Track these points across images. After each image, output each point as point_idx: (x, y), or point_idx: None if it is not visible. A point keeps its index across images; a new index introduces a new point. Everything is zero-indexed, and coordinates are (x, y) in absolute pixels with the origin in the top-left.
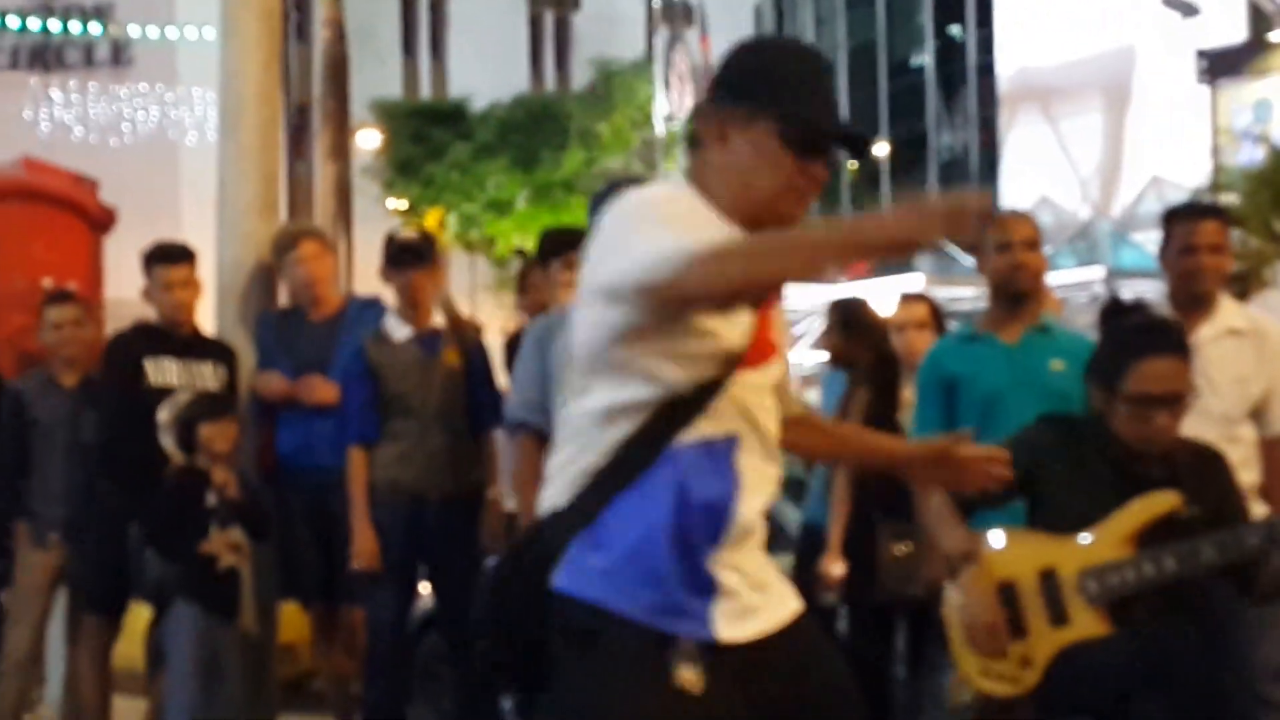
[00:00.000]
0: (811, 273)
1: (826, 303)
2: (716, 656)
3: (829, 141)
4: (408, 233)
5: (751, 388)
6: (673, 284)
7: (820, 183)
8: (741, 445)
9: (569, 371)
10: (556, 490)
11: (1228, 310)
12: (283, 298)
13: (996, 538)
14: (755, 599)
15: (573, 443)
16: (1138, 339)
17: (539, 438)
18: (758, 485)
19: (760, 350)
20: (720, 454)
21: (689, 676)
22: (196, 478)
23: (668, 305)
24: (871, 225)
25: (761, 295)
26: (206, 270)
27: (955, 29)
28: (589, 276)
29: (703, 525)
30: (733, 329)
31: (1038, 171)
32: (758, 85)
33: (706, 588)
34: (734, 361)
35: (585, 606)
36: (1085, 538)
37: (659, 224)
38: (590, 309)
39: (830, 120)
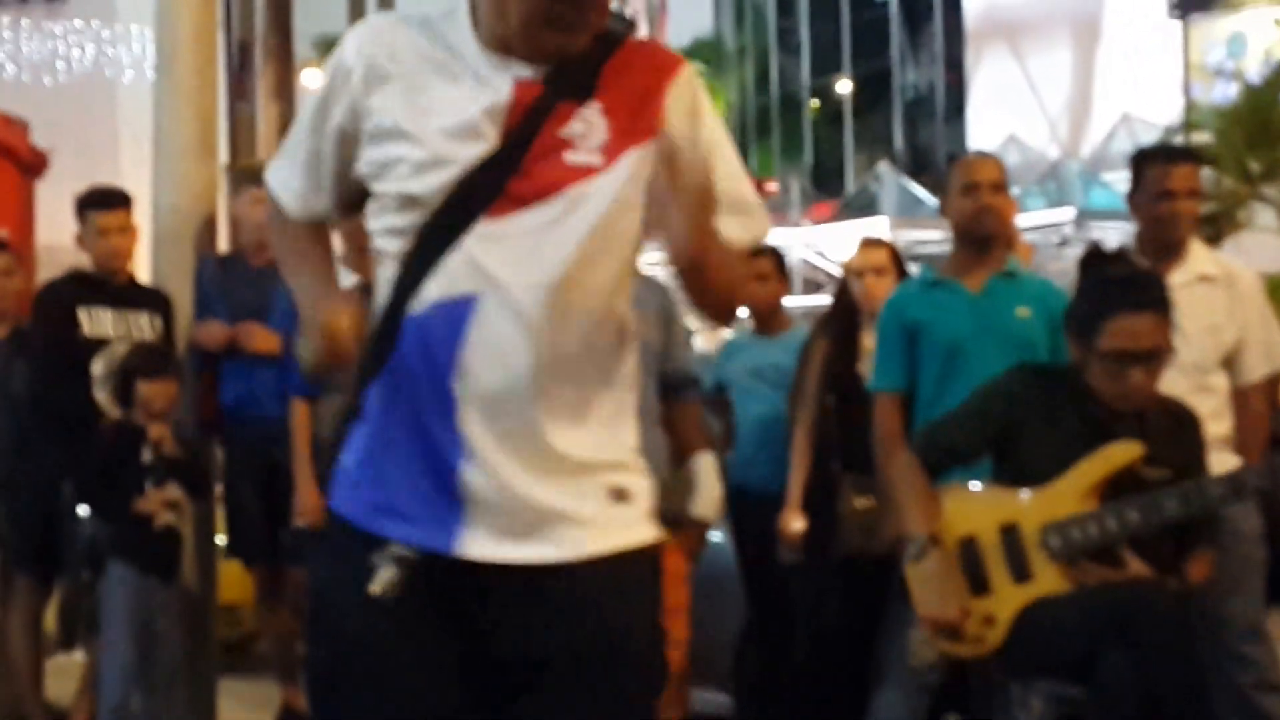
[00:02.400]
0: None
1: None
2: (445, 570)
3: None
4: None
5: (497, 241)
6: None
7: (578, 6)
8: (478, 309)
9: None
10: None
11: (1199, 256)
12: (222, 239)
13: (958, 493)
14: (531, 516)
15: None
16: (1116, 293)
17: None
18: (502, 360)
19: (530, 187)
20: (446, 321)
21: (386, 580)
22: (132, 433)
23: None
24: (305, 301)
25: None
26: (143, 215)
27: None
28: None
29: (434, 412)
30: (430, 172)
31: (1005, 110)
32: None
33: (449, 490)
34: (442, 209)
35: (329, 512)
36: (1047, 491)
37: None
38: None
39: None
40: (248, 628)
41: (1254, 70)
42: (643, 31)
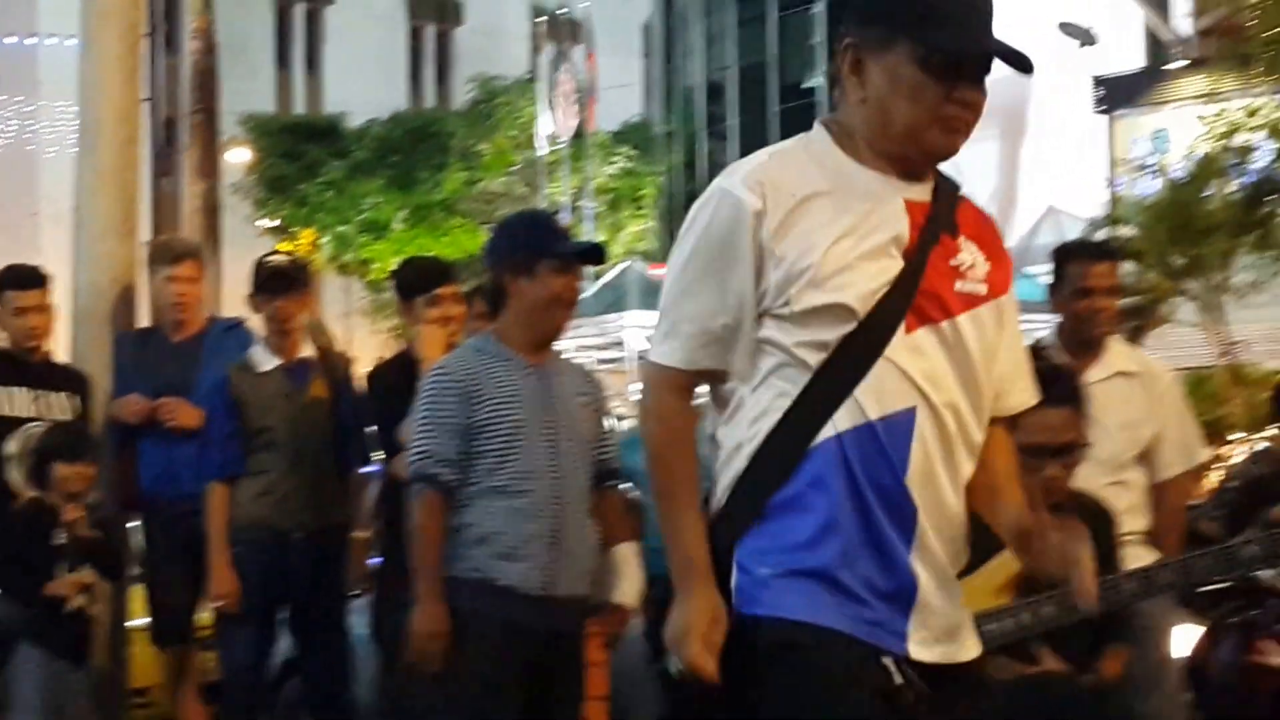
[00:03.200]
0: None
1: None
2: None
3: (975, 61)
4: (277, 258)
5: (920, 352)
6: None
7: (976, 108)
8: (917, 424)
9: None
10: (722, 491)
11: (1118, 352)
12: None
13: None
14: (954, 618)
15: (734, 440)
16: None
17: (446, 493)
18: (941, 472)
19: (934, 308)
20: (890, 434)
21: (900, 689)
22: (45, 514)
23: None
24: (680, 570)
25: None
26: (63, 293)
27: None
28: None
29: (887, 516)
30: (861, 283)
31: None
32: (889, 4)
33: (905, 592)
34: (871, 324)
35: (783, 623)
36: (963, 585)
37: (684, 269)
38: None
39: (973, 37)
40: (159, 710)
41: (1177, 166)
42: (572, 114)
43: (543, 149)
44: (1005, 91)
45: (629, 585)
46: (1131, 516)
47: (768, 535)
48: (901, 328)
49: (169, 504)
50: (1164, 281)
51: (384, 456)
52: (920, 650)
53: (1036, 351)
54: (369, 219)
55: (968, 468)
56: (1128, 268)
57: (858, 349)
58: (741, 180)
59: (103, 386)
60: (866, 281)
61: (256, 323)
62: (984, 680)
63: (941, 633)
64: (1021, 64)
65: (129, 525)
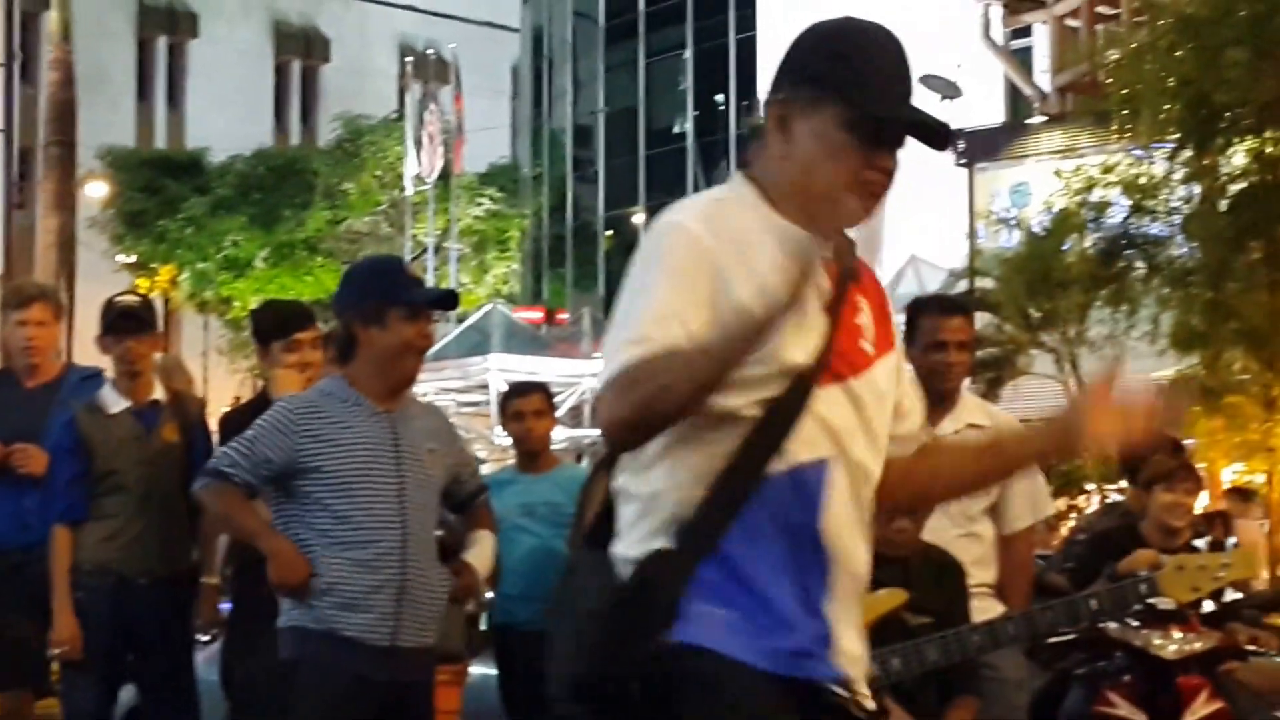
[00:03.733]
0: (705, 390)
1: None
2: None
3: (899, 131)
4: (127, 298)
5: (835, 405)
6: (600, 417)
7: (889, 177)
8: (831, 472)
9: None
10: (641, 536)
11: (969, 405)
12: None
13: None
14: (860, 667)
15: (650, 489)
16: None
17: (236, 488)
18: (851, 521)
19: (843, 365)
20: (808, 482)
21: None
22: None
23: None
24: (739, 322)
25: (690, 412)
26: None
27: (719, 97)
28: None
29: (813, 563)
30: (798, 342)
31: None
32: (821, 68)
33: (823, 636)
34: (803, 380)
35: (713, 656)
36: None
37: (646, 292)
38: None
39: (900, 107)
40: None
41: (1036, 219)
42: (439, 155)
43: (409, 189)
44: None
45: (481, 552)
46: (980, 568)
47: (708, 577)
48: (818, 384)
49: (16, 551)
50: (1021, 333)
51: None
52: (849, 675)
53: None
54: (230, 256)
55: (868, 518)
56: (986, 319)
57: (790, 403)
58: (693, 217)
59: None
60: (806, 340)
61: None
62: None
63: (856, 665)
64: (940, 138)
65: None
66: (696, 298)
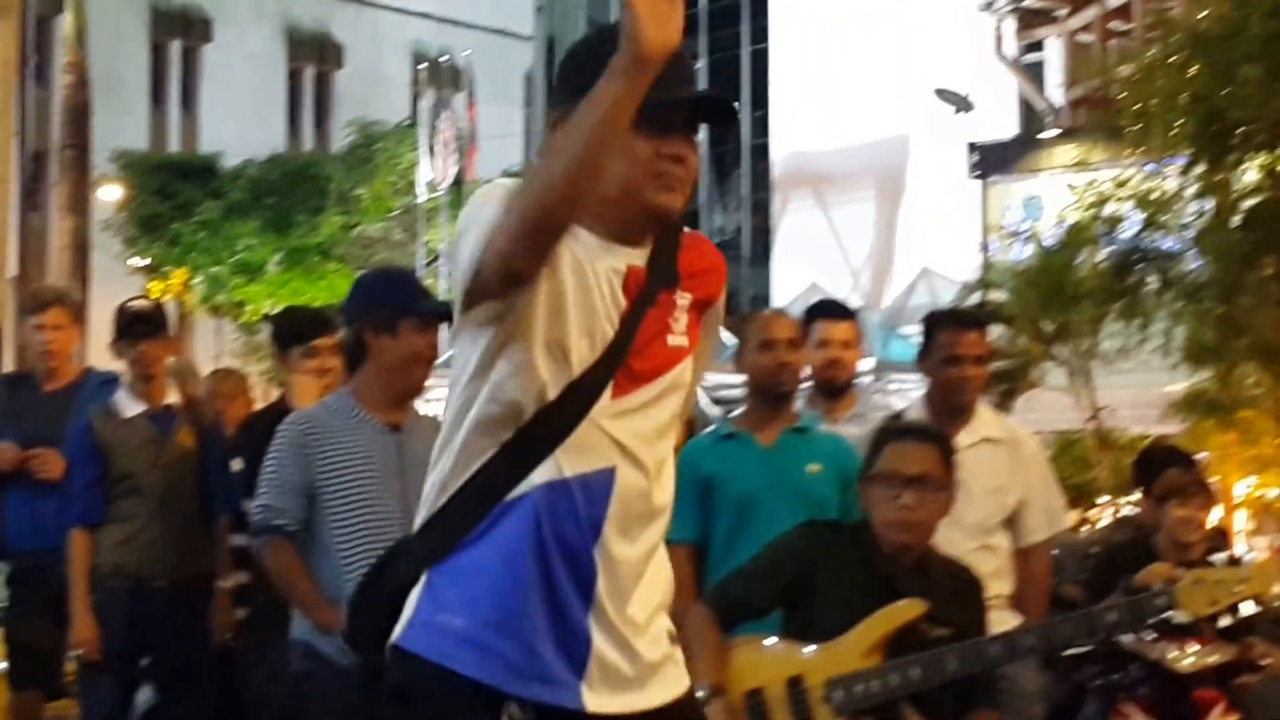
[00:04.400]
0: (603, 146)
1: None
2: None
3: (677, 113)
4: (140, 303)
5: (626, 417)
6: (498, 235)
7: (685, 160)
8: (616, 483)
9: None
10: (421, 516)
11: (985, 419)
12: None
13: (748, 646)
14: (635, 670)
15: (438, 476)
16: (892, 429)
17: (290, 538)
18: (635, 529)
19: (644, 366)
20: (586, 493)
21: None
22: None
23: (503, 261)
24: (607, 77)
25: (582, 194)
26: None
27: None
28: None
29: (567, 576)
30: (573, 351)
31: (809, 259)
32: (585, 76)
33: (578, 650)
34: (585, 389)
35: (429, 667)
36: (833, 646)
37: (484, 219)
38: (461, 332)
39: (672, 90)
40: None
41: (1049, 232)
42: (452, 162)
43: (422, 195)
44: (883, 156)
45: None
46: (997, 580)
47: (444, 578)
48: (608, 392)
49: (33, 554)
50: (1034, 346)
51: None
52: (599, 702)
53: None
54: (243, 260)
55: (654, 508)
56: (999, 332)
57: (562, 412)
58: (511, 184)
59: None
60: (578, 350)
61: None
62: (688, 713)
63: (626, 683)
64: (725, 114)
65: None
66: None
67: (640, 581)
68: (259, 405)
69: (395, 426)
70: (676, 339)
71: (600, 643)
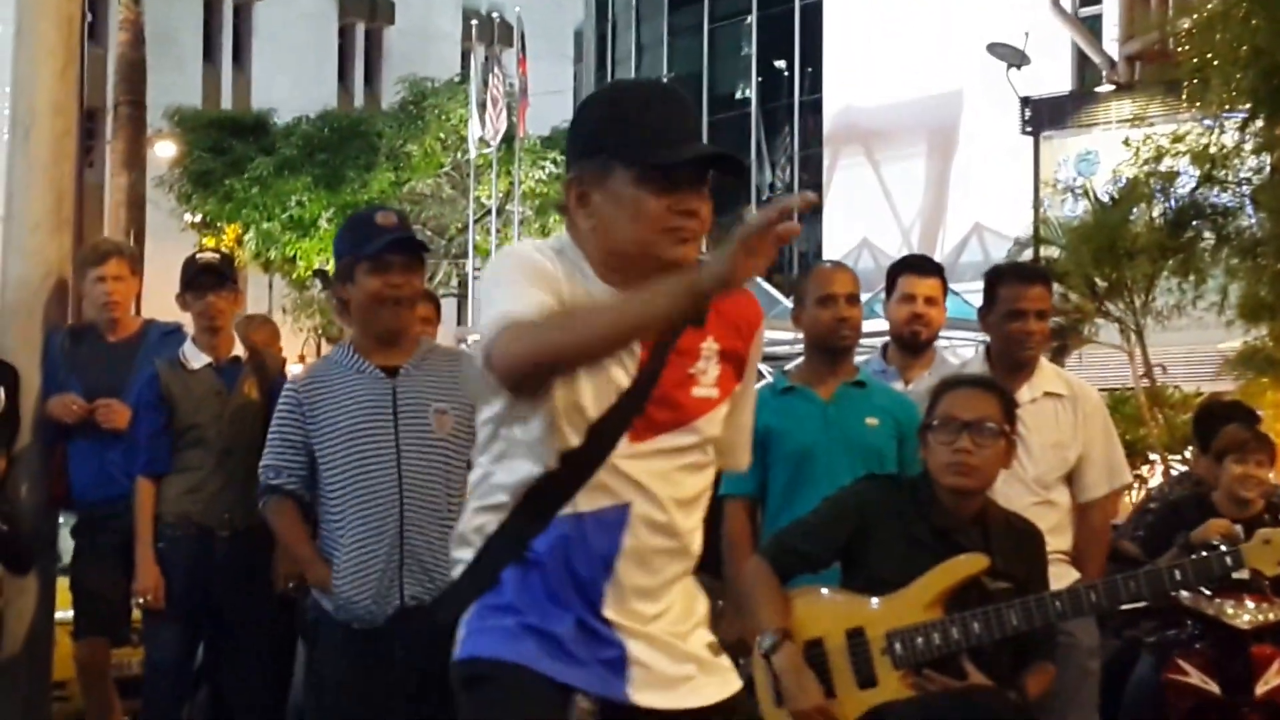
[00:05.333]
0: (615, 342)
1: None
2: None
3: (687, 171)
4: (207, 254)
5: (644, 459)
6: (490, 360)
7: (699, 215)
8: (630, 517)
9: (480, 426)
10: (466, 553)
11: (1046, 374)
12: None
13: (808, 596)
14: (676, 670)
15: (479, 505)
16: (952, 379)
17: (290, 497)
18: (656, 560)
19: (665, 415)
20: (600, 527)
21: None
22: None
23: (502, 383)
24: (668, 287)
25: (570, 368)
26: None
27: (780, 63)
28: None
29: (578, 599)
30: (597, 398)
31: (860, 215)
32: (598, 137)
33: (616, 657)
34: (605, 434)
35: (486, 661)
36: (894, 599)
37: (502, 285)
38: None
39: (677, 148)
40: (75, 705)
41: (1103, 188)
42: (502, 118)
43: (472, 152)
44: (936, 111)
45: None
46: (1056, 535)
47: (494, 595)
48: (626, 437)
49: (100, 504)
50: (1087, 303)
51: None
52: (643, 697)
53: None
54: (295, 216)
55: (693, 549)
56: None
57: (582, 457)
58: (532, 247)
59: (31, 381)
60: (593, 397)
61: (188, 322)
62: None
63: (664, 684)
64: (733, 168)
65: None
66: (546, 297)
67: (667, 603)
68: (310, 360)
69: (391, 370)
70: (704, 390)
71: (636, 650)
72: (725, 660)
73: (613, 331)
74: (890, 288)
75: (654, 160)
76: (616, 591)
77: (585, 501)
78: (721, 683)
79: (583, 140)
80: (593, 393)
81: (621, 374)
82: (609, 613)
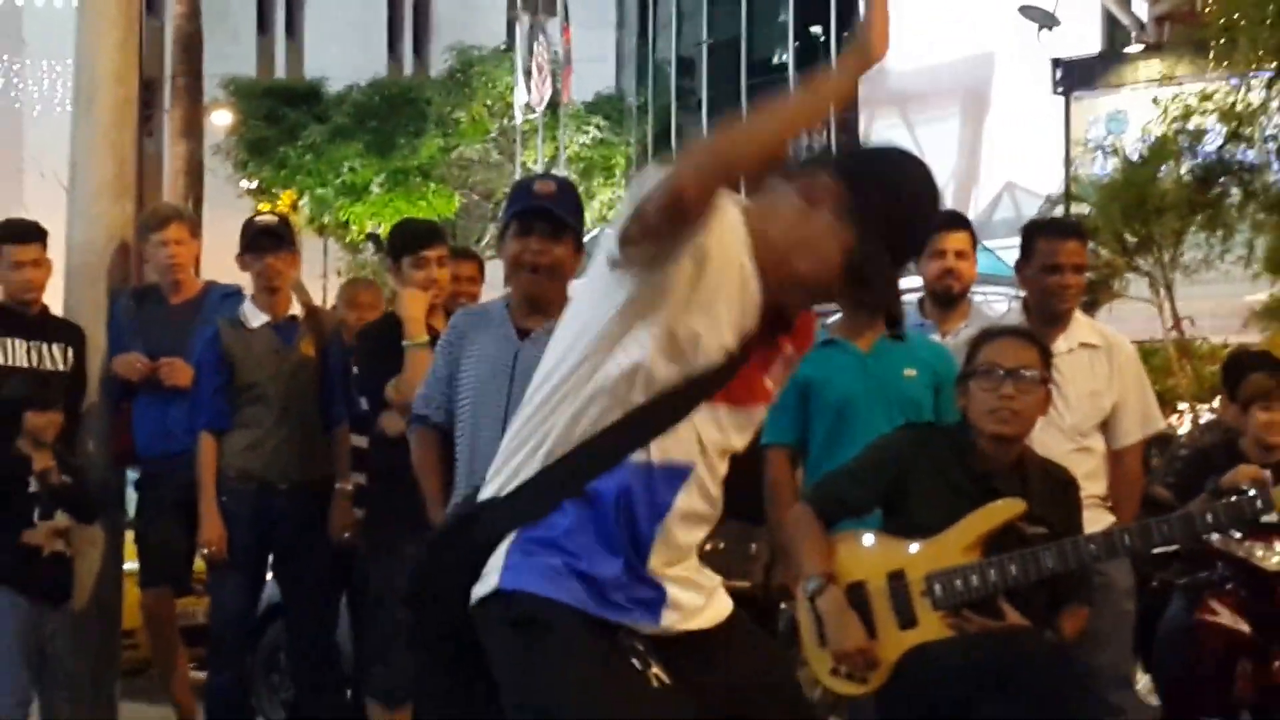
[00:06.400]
0: (811, 123)
1: None
2: (661, 647)
3: (873, 282)
4: (265, 217)
5: (717, 425)
6: (670, 184)
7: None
8: (691, 478)
9: (546, 355)
10: (506, 478)
11: (1082, 325)
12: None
13: (850, 541)
14: (698, 601)
15: (534, 435)
16: (991, 330)
17: (439, 431)
18: (692, 522)
19: (742, 392)
20: (666, 480)
21: (642, 657)
22: (17, 464)
23: (667, 209)
24: (814, 83)
25: (775, 154)
26: (55, 250)
27: (817, 29)
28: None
29: (630, 547)
30: (717, 341)
31: None
32: (870, 197)
33: (654, 598)
34: (703, 385)
35: (536, 599)
36: (933, 543)
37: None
38: (594, 282)
39: (886, 275)
40: (142, 653)
41: (1132, 146)
42: (547, 85)
43: (518, 118)
44: (969, 73)
45: None
46: (1092, 481)
47: (544, 527)
48: (710, 400)
49: (163, 460)
50: (1117, 258)
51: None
52: (676, 625)
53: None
54: (347, 182)
55: (713, 511)
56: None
57: (671, 404)
58: (733, 201)
59: (96, 342)
60: (708, 354)
61: (248, 285)
62: (738, 622)
63: (692, 613)
64: (892, 320)
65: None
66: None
67: (689, 554)
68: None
69: (525, 333)
70: (771, 384)
71: (674, 592)
72: (716, 579)
73: (800, 116)
74: None
75: (869, 269)
76: (663, 545)
77: (658, 451)
78: (722, 602)
79: (858, 179)
80: (705, 336)
81: (731, 336)
82: (654, 563)
